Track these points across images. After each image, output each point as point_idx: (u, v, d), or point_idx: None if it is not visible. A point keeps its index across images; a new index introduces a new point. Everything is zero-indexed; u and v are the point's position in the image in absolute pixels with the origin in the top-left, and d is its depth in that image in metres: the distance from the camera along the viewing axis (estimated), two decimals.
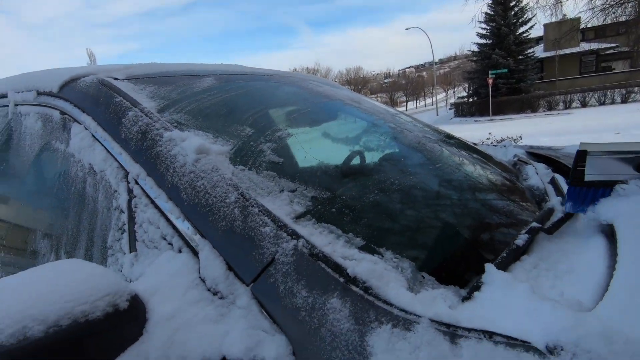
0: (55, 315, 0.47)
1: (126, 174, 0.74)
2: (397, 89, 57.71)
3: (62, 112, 0.92)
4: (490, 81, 22.11)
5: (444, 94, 56.53)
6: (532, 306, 0.47)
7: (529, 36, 25.49)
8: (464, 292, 0.57)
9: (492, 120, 20.80)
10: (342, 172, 0.95)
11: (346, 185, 0.86)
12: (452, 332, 0.45)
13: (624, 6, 7.59)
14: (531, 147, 1.88)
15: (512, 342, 0.43)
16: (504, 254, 0.68)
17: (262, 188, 0.69)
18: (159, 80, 1.01)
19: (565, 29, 10.93)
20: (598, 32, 27.23)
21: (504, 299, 0.52)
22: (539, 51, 25.93)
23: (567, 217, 0.84)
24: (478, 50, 26.38)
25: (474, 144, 1.76)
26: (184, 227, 0.64)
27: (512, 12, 24.80)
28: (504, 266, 0.64)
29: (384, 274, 0.55)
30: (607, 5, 7.60)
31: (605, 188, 0.74)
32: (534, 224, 0.78)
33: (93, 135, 0.82)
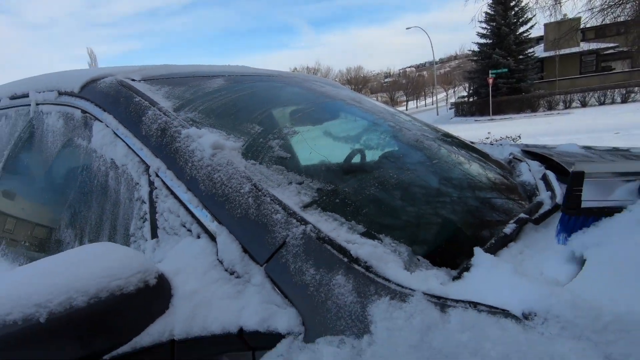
0: (95, 288, 0.53)
1: (147, 167, 0.81)
2: (398, 89, 57.74)
3: (84, 111, 0.98)
4: (490, 81, 22.16)
5: (445, 93, 56.57)
6: (512, 282, 0.54)
7: (529, 36, 25.53)
8: (454, 273, 0.64)
9: (492, 119, 20.85)
10: (344, 167, 1.02)
11: (349, 179, 0.93)
12: (442, 303, 0.52)
13: (622, 6, 7.66)
14: (526, 145, 1.94)
15: (493, 310, 0.50)
16: (493, 241, 0.74)
17: (272, 180, 0.75)
18: (173, 81, 1.08)
19: (565, 29, 10.99)
20: (598, 32, 27.25)
21: (489, 276, 0.58)
22: (539, 51, 25.96)
23: (554, 209, 0.91)
24: (478, 49, 26.41)
25: (472, 142, 1.83)
26: (202, 215, 0.71)
27: (513, 12, 24.83)
28: (492, 251, 0.70)
29: (383, 256, 0.62)
30: (606, 6, 7.67)
31: (604, 216, 0.63)
32: (522, 215, 0.85)
33: (114, 133, 0.89)
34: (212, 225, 0.69)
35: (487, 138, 6.53)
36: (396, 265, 0.61)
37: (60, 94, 1.06)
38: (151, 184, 0.79)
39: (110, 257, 0.58)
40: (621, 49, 23.79)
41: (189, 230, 0.72)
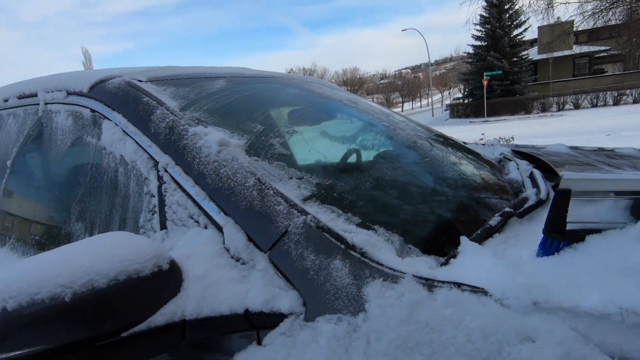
0: (115, 271, 0.59)
1: (156, 163, 0.86)
2: (393, 90, 58.02)
3: (93, 110, 1.03)
4: (485, 83, 22.37)
5: (440, 95, 56.93)
6: (492, 266, 0.60)
7: (523, 38, 25.81)
8: (442, 260, 0.70)
9: (486, 121, 21.05)
10: (342, 164, 1.07)
11: (346, 175, 0.99)
12: (429, 283, 0.58)
13: (613, 10, 7.83)
14: (516, 145, 2.02)
15: (474, 289, 0.56)
16: (479, 232, 0.80)
17: (274, 175, 0.81)
18: (177, 82, 1.13)
19: (558, 32, 11.16)
20: (591, 35, 27.62)
21: (473, 262, 0.64)
22: (533, 53, 26.25)
23: (538, 204, 0.97)
24: (473, 52, 26.65)
25: (464, 142, 1.89)
26: (209, 207, 0.76)
27: (507, 15, 25.09)
28: (478, 241, 0.76)
29: (377, 244, 0.68)
30: (597, 10, 7.83)
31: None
32: (508, 209, 0.91)
33: (124, 131, 0.94)
34: (219, 217, 0.74)
35: (480, 139, 6.63)
36: (389, 252, 0.66)
37: (69, 93, 1.11)
38: (160, 178, 0.84)
39: (127, 244, 0.63)
40: (613, 52, 24.14)
41: (197, 222, 0.77)
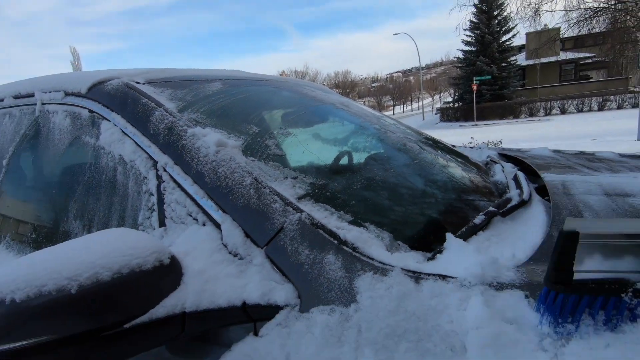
0: (118, 265, 0.61)
1: (155, 163, 0.88)
2: (385, 93, 58.45)
3: (91, 111, 1.05)
4: (474, 87, 22.74)
5: (430, 99, 57.55)
6: (474, 260, 0.64)
7: (512, 44, 26.32)
8: (429, 255, 0.74)
9: (476, 125, 21.37)
10: (334, 165, 1.11)
11: (338, 175, 1.03)
12: (416, 276, 0.62)
13: (597, 19, 8.08)
14: (503, 149, 2.09)
15: (455, 279, 0.60)
16: (464, 229, 0.85)
17: (270, 175, 0.84)
18: (175, 84, 1.16)
19: (545, 39, 11.44)
20: (577, 42, 28.29)
21: (458, 257, 0.69)
22: (521, 59, 26.79)
23: (520, 204, 1.02)
24: (463, 56, 27.07)
25: (453, 145, 1.96)
26: (208, 205, 0.79)
27: (496, 21, 25.57)
28: (463, 238, 0.81)
29: (368, 240, 0.72)
30: (582, 18, 8.07)
31: (604, 295, 0.48)
32: (492, 208, 0.96)
33: (122, 131, 0.96)
34: (217, 214, 0.78)
35: (469, 142, 6.74)
36: (379, 247, 0.70)
37: (67, 94, 1.13)
38: (159, 177, 0.86)
39: (129, 239, 0.66)
40: (598, 59, 24.76)
41: (195, 219, 0.80)
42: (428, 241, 0.85)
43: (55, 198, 1.13)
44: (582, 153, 1.83)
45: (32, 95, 1.23)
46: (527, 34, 24.68)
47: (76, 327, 0.58)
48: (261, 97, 1.33)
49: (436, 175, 1.23)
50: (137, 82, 1.09)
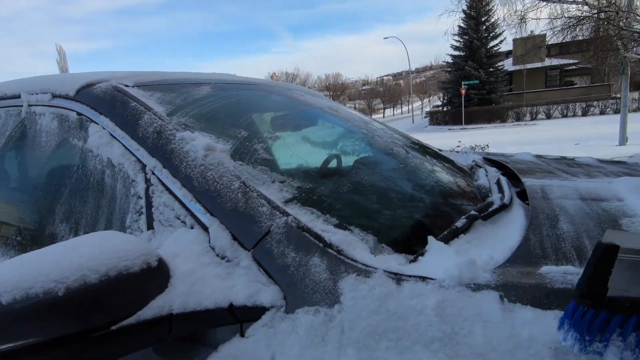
0: (106, 267, 0.62)
1: (143, 166, 0.89)
2: (375, 96, 58.87)
3: (79, 114, 1.05)
4: (463, 91, 23.10)
5: (420, 102, 58.17)
6: (454, 262, 0.67)
7: (499, 50, 26.85)
8: (411, 257, 0.77)
9: (464, 129, 21.70)
10: (321, 169, 1.13)
11: (325, 180, 1.05)
12: (398, 277, 0.65)
13: (580, 27, 8.33)
14: (488, 153, 2.15)
15: (434, 280, 0.63)
16: (446, 233, 0.88)
17: (257, 179, 0.86)
18: (164, 88, 1.17)
19: (531, 45, 11.71)
20: (562, 49, 28.99)
21: (438, 259, 0.71)
22: (508, 64, 27.32)
23: (501, 208, 1.06)
24: (452, 61, 27.48)
25: (440, 150, 2.00)
26: (196, 208, 0.80)
27: (484, 27, 26.05)
28: (445, 240, 0.83)
29: (353, 242, 0.74)
30: (566, 26, 8.31)
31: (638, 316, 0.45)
32: (473, 212, 0.99)
33: (111, 134, 0.96)
34: (205, 217, 0.79)
35: (457, 146, 6.85)
36: (363, 250, 0.73)
37: (54, 96, 1.13)
38: (147, 181, 0.87)
39: (116, 242, 0.67)
40: (581, 66, 25.42)
41: (183, 222, 0.81)
42: (411, 244, 0.88)
43: (42, 201, 1.13)
44: (563, 158, 1.89)
45: (18, 97, 1.22)
46: (514, 40, 25.17)
47: (63, 329, 0.59)
48: (250, 101, 1.34)
49: (421, 180, 1.26)
50: (126, 85, 1.09)
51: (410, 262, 0.74)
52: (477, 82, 24.54)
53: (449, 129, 22.64)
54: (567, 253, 0.74)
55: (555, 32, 8.49)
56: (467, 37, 26.04)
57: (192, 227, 0.80)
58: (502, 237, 0.92)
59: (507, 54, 29.52)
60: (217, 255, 0.75)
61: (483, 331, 0.55)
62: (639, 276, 0.44)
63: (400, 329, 0.58)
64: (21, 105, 1.20)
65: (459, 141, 7.98)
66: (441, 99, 33.85)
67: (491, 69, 26.16)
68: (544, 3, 8.35)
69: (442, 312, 0.58)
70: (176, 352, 0.74)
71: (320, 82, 58.81)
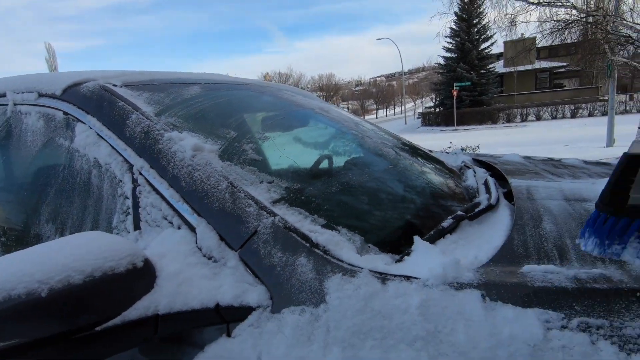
0: (91, 268, 0.62)
1: (130, 166, 0.89)
2: (368, 97, 59.09)
3: (65, 113, 1.04)
4: (455, 93, 23.31)
5: (413, 103, 58.53)
6: (439, 261, 0.68)
7: (491, 52, 27.16)
8: (397, 257, 0.78)
9: (456, 130, 21.90)
10: (309, 169, 1.14)
11: (313, 180, 1.06)
12: (383, 277, 0.65)
13: (569, 30, 8.48)
14: (477, 154, 2.18)
15: (418, 280, 0.63)
16: (432, 233, 0.89)
17: (245, 179, 0.86)
18: (152, 88, 1.16)
19: (521, 48, 11.88)
20: (551, 51, 29.44)
21: (424, 258, 0.72)
22: (499, 67, 27.66)
23: (488, 208, 1.07)
24: (444, 63, 27.71)
25: (430, 150, 2.02)
26: (183, 208, 0.80)
27: (475, 29, 26.32)
28: (431, 240, 0.85)
29: (339, 242, 0.74)
30: (555, 30, 8.45)
31: None
32: (460, 212, 1.01)
33: (98, 134, 0.96)
34: (192, 218, 0.79)
35: (449, 147, 6.91)
36: (349, 250, 0.73)
37: (40, 95, 1.11)
38: (134, 181, 0.87)
39: (102, 243, 0.67)
40: (570, 68, 25.83)
41: (170, 222, 0.81)
42: (398, 244, 0.89)
43: (27, 201, 1.11)
44: (550, 159, 1.92)
45: (3, 96, 1.20)
46: (505, 43, 25.49)
47: (47, 330, 0.58)
48: (240, 101, 1.34)
49: (410, 180, 1.27)
50: (114, 85, 1.09)
51: (396, 262, 0.75)
52: (468, 83, 24.79)
53: (441, 130, 22.83)
54: (549, 252, 0.76)
55: (545, 35, 8.63)
56: (459, 39, 26.29)
57: (179, 228, 0.80)
58: (488, 237, 0.94)
59: (498, 56, 29.89)
60: (204, 256, 0.75)
61: (465, 329, 0.56)
62: None
63: (385, 328, 0.59)
64: (6, 105, 1.18)
65: (451, 142, 8.06)
66: (433, 100, 34.11)
67: (482, 71, 26.46)
68: (534, 6, 8.48)
69: (425, 311, 0.59)
70: (162, 353, 0.74)
71: (313, 82, 58.84)
